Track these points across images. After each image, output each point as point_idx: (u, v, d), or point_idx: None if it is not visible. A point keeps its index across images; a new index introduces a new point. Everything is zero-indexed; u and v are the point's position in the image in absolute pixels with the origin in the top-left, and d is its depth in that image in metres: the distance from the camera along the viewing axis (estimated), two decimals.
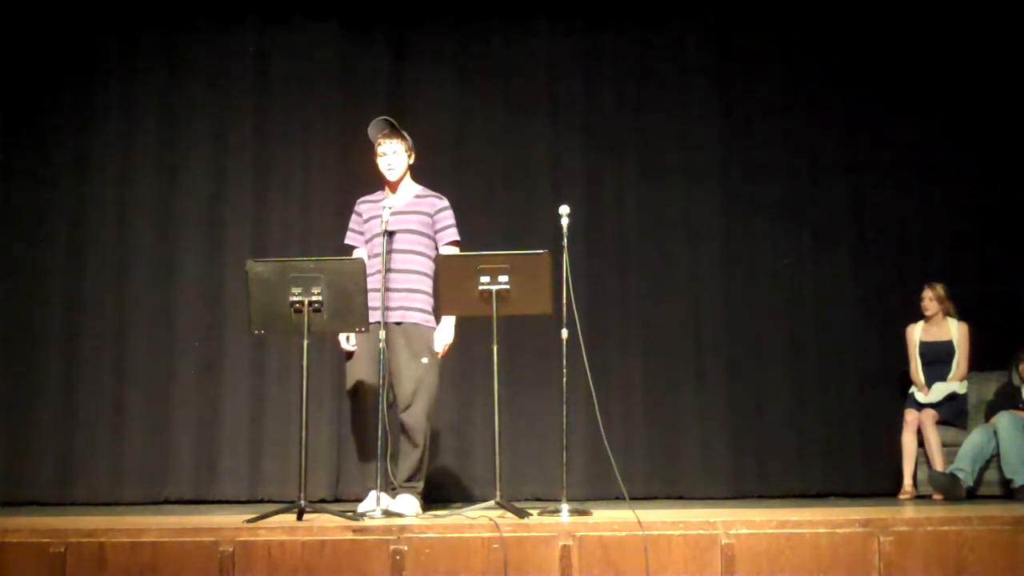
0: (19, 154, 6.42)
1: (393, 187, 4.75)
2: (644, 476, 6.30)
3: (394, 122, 4.74)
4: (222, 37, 6.57)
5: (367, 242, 4.74)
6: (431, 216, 4.70)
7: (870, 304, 6.62)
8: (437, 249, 4.71)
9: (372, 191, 4.88)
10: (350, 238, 4.85)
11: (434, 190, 4.82)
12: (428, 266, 4.68)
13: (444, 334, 4.65)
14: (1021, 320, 6.34)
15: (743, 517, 3.94)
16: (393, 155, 4.70)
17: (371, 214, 4.71)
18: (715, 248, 6.63)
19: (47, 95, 6.45)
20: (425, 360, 4.57)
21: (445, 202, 4.76)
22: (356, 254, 4.78)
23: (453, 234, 4.72)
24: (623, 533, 3.77)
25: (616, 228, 6.61)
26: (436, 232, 4.71)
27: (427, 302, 4.66)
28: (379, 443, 4.28)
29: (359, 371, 4.59)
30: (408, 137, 4.75)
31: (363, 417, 4.54)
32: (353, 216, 4.84)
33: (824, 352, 6.58)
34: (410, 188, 4.79)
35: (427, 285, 4.67)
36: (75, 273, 6.32)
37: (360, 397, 4.57)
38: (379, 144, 4.72)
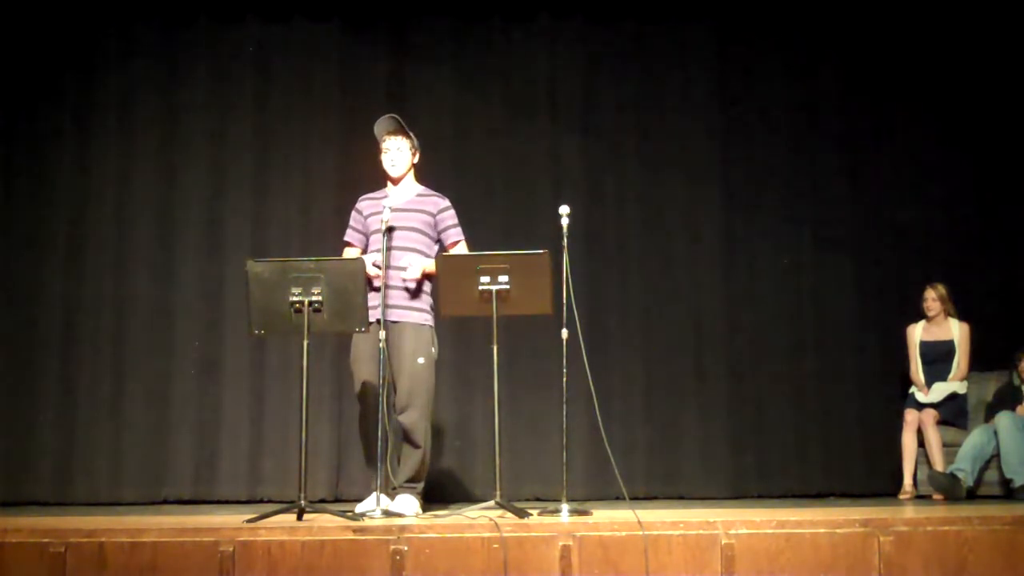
0: (19, 154, 6.42)
1: (395, 184, 4.76)
2: (644, 476, 6.30)
3: (400, 120, 4.74)
4: (222, 37, 6.57)
5: (368, 239, 4.74)
6: (433, 216, 4.70)
7: (870, 304, 6.61)
8: (443, 249, 4.71)
9: (372, 190, 4.88)
10: (347, 235, 4.84)
11: (435, 190, 4.82)
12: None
13: (418, 266, 4.53)
14: (1021, 320, 6.34)
15: (743, 517, 3.94)
16: (397, 152, 4.70)
17: (372, 211, 4.71)
18: (715, 248, 6.62)
19: (47, 95, 6.45)
20: (422, 360, 4.56)
21: (447, 202, 4.76)
22: (349, 252, 4.78)
23: (458, 233, 4.74)
24: (623, 533, 3.78)
25: (616, 228, 6.61)
26: (440, 232, 4.71)
27: (427, 301, 4.65)
28: (379, 443, 4.29)
29: (362, 372, 4.58)
30: (413, 136, 4.77)
31: (368, 420, 4.53)
32: (353, 213, 4.83)
33: (824, 352, 6.57)
34: (412, 187, 4.80)
35: (427, 284, 4.66)
36: (75, 273, 6.32)
37: (364, 399, 4.57)
38: (383, 140, 4.73)
